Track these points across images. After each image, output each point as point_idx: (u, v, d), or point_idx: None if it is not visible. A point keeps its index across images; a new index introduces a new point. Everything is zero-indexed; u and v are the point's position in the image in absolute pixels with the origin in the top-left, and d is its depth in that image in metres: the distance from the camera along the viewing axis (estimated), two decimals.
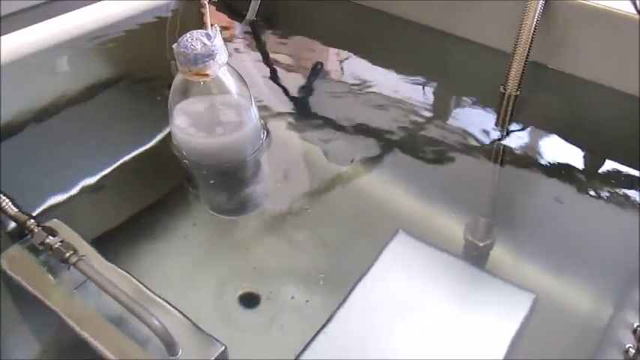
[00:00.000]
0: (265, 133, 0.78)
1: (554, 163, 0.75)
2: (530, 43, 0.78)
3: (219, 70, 0.68)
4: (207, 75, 0.67)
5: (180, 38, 0.66)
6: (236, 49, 1.00)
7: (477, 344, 0.55)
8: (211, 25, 0.67)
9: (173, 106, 0.72)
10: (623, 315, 0.57)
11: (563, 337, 0.56)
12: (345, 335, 0.56)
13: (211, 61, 0.66)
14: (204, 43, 0.65)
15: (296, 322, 0.56)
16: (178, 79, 0.70)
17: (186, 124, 0.73)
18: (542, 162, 0.75)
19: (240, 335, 0.55)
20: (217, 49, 0.66)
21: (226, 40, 0.68)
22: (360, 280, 0.60)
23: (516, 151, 0.77)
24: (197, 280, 0.61)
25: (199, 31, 0.66)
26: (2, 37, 0.92)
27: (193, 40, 0.65)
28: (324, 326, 0.56)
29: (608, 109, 0.85)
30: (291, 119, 0.84)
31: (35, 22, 0.96)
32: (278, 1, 1.10)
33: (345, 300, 0.58)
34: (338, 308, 0.57)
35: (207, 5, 0.68)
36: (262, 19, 1.07)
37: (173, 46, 0.66)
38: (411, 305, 0.58)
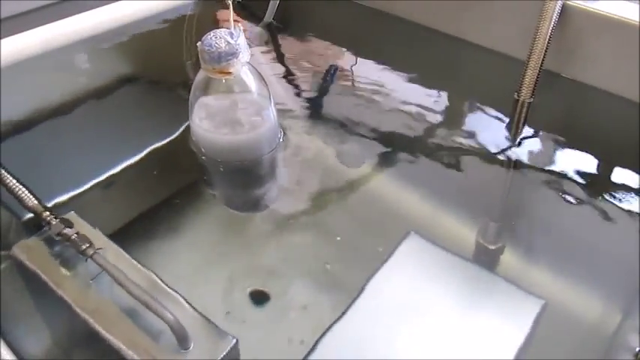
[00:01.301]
0: (282, 132, 0.79)
1: (565, 170, 0.75)
2: (545, 51, 0.78)
3: (241, 68, 0.69)
4: (230, 73, 0.68)
5: (205, 36, 0.67)
6: (253, 51, 1.00)
7: (484, 348, 0.55)
8: (234, 24, 0.68)
9: (194, 103, 0.73)
10: (632, 321, 0.58)
11: (571, 343, 0.56)
12: (354, 335, 0.56)
13: (235, 60, 0.67)
14: (228, 42, 0.66)
15: (305, 321, 0.57)
16: (200, 76, 0.71)
17: (206, 121, 0.73)
18: (554, 168, 0.76)
19: (249, 332, 0.55)
20: (240, 47, 0.67)
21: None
22: (370, 280, 0.61)
23: (528, 157, 0.78)
24: (208, 277, 0.62)
25: (223, 29, 0.67)
26: (25, 33, 0.93)
27: (217, 39, 0.66)
28: (333, 326, 0.56)
29: (620, 117, 0.86)
30: (306, 120, 0.85)
31: (52, 21, 0.97)
32: (295, 2, 1.10)
33: (354, 300, 0.59)
34: (347, 308, 0.58)
35: (232, 5, 0.68)
36: (279, 21, 1.08)
37: (197, 44, 0.67)
38: (420, 307, 0.59)
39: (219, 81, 0.70)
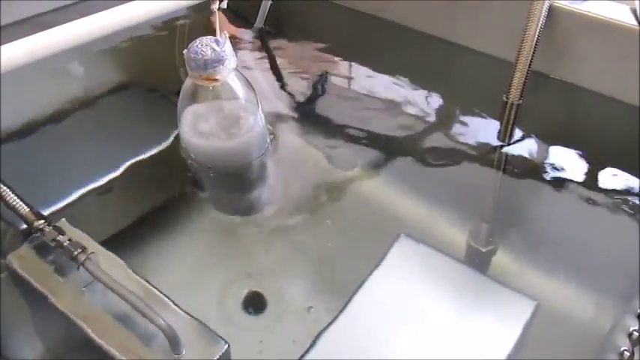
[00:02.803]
0: (271, 137, 0.79)
1: (555, 171, 0.76)
2: (533, 53, 0.79)
3: (228, 75, 0.69)
4: (216, 80, 0.69)
5: (191, 44, 0.67)
6: (244, 56, 1.01)
7: (477, 349, 0.55)
8: (220, 31, 0.69)
9: (182, 110, 0.74)
10: (624, 322, 0.58)
11: (564, 344, 0.57)
12: (347, 338, 0.56)
13: (221, 67, 0.67)
14: (214, 49, 0.66)
15: (299, 325, 0.57)
16: (188, 83, 0.71)
17: (195, 128, 0.74)
18: (544, 169, 0.76)
19: (244, 337, 0.56)
20: (226, 54, 0.67)
21: (234, 47, 0.69)
22: (362, 283, 0.61)
23: (518, 159, 0.78)
24: (202, 282, 0.62)
25: (209, 37, 0.68)
26: (18, 41, 0.94)
27: (203, 46, 0.66)
28: (326, 329, 0.56)
29: (608, 118, 0.86)
30: (296, 124, 0.85)
31: (48, 27, 0.97)
32: (286, 7, 1.11)
33: (347, 303, 0.59)
34: (341, 311, 0.58)
35: (217, 12, 0.69)
36: (270, 26, 1.09)
37: (183, 52, 0.68)
38: (413, 309, 0.59)
39: (206, 88, 0.71)
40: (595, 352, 0.56)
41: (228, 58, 0.68)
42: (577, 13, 0.85)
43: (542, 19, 0.79)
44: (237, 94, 0.72)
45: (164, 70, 0.98)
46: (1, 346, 0.54)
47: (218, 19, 0.69)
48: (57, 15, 0.99)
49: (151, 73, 0.99)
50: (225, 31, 0.68)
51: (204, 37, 0.67)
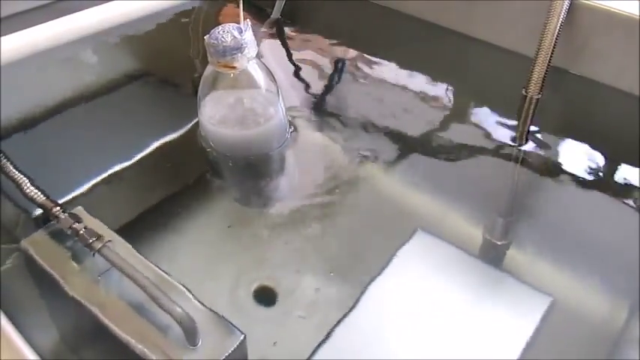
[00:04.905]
0: (291, 128, 0.79)
1: (573, 167, 0.75)
2: (553, 48, 0.78)
3: (248, 63, 0.69)
4: (234, 68, 0.68)
5: (213, 30, 0.67)
6: (260, 47, 1.00)
7: (492, 344, 0.55)
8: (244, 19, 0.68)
9: (202, 98, 0.73)
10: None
11: (579, 339, 0.56)
12: (361, 332, 0.56)
13: (239, 55, 0.67)
14: (235, 37, 0.66)
15: (311, 318, 0.57)
16: (209, 70, 0.71)
17: (215, 116, 0.74)
18: (562, 165, 0.76)
19: (256, 328, 0.55)
20: (247, 43, 0.67)
21: None
22: (376, 277, 0.61)
23: (535, 153, 0.78)
24: (215, 272, 0.62)
25: (232, 24, 0.67)
26: (26, 30, 0.94)
27: (224, 33, 0.66)
28: (339, 322, 0.56)
29: (628, 114, 0.85)
30: (314, 117, 0.85)
31: (57, 17, 0.97)
32: (303, 0, 1.10)
33: (361, 297, 0.59)
34: (354, 305, 0.58)
35: (241, 1, 0.68)
36: (287, 17, 1.09)
37: (205, 37, 0.67)
38: (428, 303, 0.59)
39: (227, 76, 0.70)
40: (610, 347, 0.56)
41: (248, 47, 0.67)
42: (597, 8, 0.84)
43: (563, 14, 0.79)
44: (257, 84, 0.72)
45: (181, 59, 0.98)
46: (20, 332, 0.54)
47: (237, 9, 0.69)
48: (66, 5, 0.99)
49: (165, 63, 0.99)
50: (248, 20, 0.67)
51: (226, 24, 0.67)
